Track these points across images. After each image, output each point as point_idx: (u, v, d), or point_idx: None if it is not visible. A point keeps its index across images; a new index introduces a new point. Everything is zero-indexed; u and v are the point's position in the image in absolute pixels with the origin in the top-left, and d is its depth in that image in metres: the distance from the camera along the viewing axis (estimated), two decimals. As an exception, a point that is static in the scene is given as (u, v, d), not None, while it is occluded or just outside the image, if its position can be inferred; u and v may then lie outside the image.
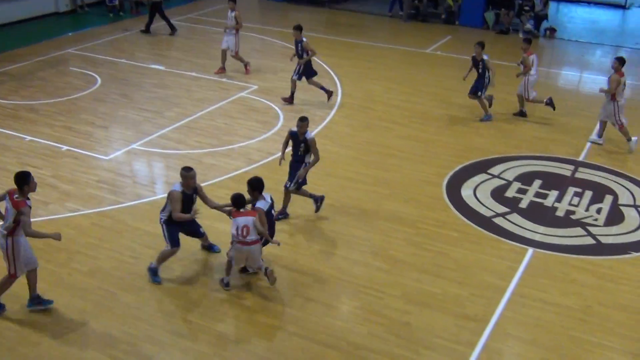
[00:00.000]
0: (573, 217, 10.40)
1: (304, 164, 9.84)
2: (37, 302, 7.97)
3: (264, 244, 8.47)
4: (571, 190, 11.18)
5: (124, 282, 8.54)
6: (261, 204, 8.36)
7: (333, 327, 7.84)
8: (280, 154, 10.22)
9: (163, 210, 8.49)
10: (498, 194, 10.97)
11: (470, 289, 8.57)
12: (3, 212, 7.68)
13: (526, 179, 11.52)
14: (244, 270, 8.70)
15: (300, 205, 10.34)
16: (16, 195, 7.46)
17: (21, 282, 8.14)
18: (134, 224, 9.85)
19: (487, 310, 8.17)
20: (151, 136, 12.93)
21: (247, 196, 8.44)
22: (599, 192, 11.13)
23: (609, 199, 10.92)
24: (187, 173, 8.28)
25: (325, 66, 17.46)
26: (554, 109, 14.03)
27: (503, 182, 11.39)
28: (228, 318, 8.02)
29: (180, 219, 8.33)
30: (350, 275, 8.81)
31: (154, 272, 8.58)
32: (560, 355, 7.52)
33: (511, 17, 21.40)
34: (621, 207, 10.67)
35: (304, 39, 14.32)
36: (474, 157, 12.28)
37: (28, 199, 7.55)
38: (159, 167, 11.91)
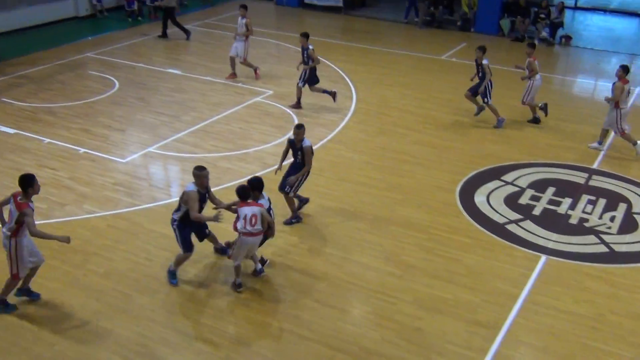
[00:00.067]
0: (586, 224, 10.38)
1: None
2: (26, 293, 8.21)
3: (261, 243, 8.61)
4: (585, 197, 11.16)
5: (139, 284, 8.65)
6: (262, 202, 8.53)
7: (345, 331, 7.89)
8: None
9: (177, 211, 8.46)
10: (511, 201, 10.97)
11: (483, 296, 8.59)
12: (6, 215, 7.82)
13: (540, 186, 11.51)
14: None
15: (312, 209, 10.41)
16: (20, 197, 7.62)
17: (36, 282, 8.29)
18: (149, 226, 9.96)
19: (499, 317, 8.18)
20: (167, 140, 13.07)
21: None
22: (613, 200, 11.10)
23: (622, 207, 10.88)
24: (201, 172, 8.33)
25: (340, 72, 17.56)
26: (547, 115, 14.17)
27: (516, 189, 11.39)
28: (240, 321, 8.09)
29: (198, 219, 8.31)
30: (362, 280, 8.86)
31: (172, 275, 8.68)
32: (571, 362, 7.53)
33: (527, 24, 21.37)
34: (635, 215, 10.63)
35: (310, 47, 14.38)
36: (488, 164, 12.29)
37: (31, 201, 7.69)
38: (174, 171, 12.04)
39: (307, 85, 14.67)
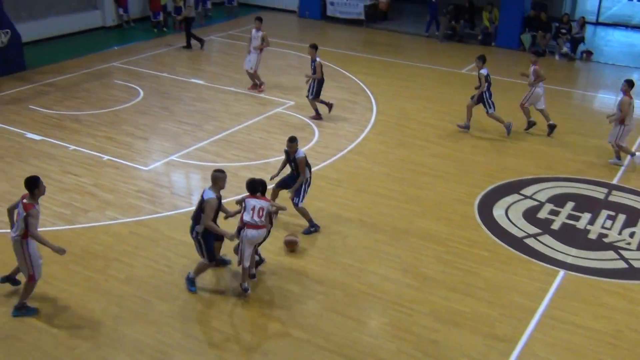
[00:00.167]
0: (605, 240, 10.33)
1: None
2: (6, 280, 8.54)
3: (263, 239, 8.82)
4: (604, 213, 11.11)
5: (159, 290, 8.77)
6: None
7: (361, 342, 7.94)
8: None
9: (198, 222, 8.42)
10: (530, 215, 10.96)
11: (500, 309, 8.59)
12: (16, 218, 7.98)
13: (559, 200, 11.48)
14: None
15: (331, 220, 10.49)
16: (26, 199, 7.81)
17: (58, 286, 8.44)
18: (170, 234, 10.11)
19: (517, 331, 8.17)
20: (189, 148, 13.25)
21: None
22: (633, 215, 11.04)
23: (643, 223, 10.83)
24: (222, 174, 8.51)
25: (361, 84, 17.67)
26: (533, 125, 14.34)
27: (535, 203, 11.38)
28: (257, 329, 8.18)
29: (210, 227, 8.34)
30: (380, 291, 8.90)
31: (191, 282, 8.78)
32: (588, 378, 7.50)
33: (548, 39, 21.33)
34: (656, 232, 10.58)
35: (318, 59, 14.52)
36: (507, 178, 12.30)
37: (38, 203, 7.88)
38: (196, 179, 12.19)
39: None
